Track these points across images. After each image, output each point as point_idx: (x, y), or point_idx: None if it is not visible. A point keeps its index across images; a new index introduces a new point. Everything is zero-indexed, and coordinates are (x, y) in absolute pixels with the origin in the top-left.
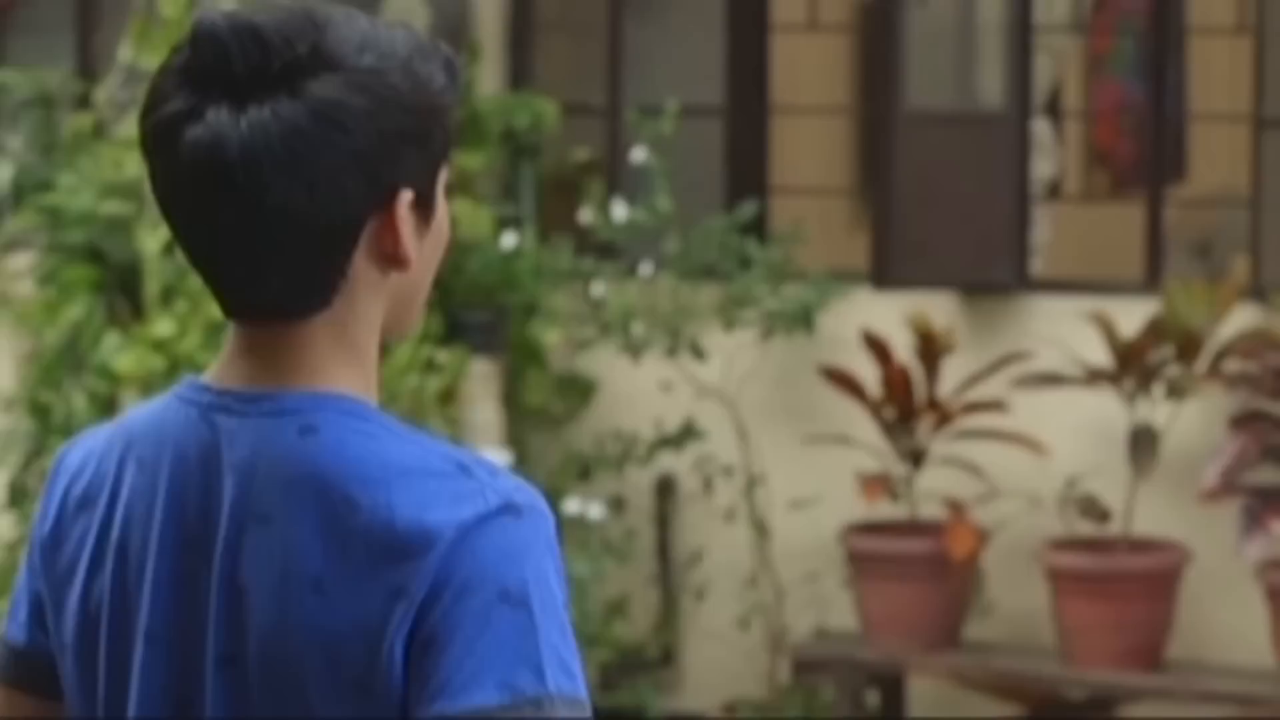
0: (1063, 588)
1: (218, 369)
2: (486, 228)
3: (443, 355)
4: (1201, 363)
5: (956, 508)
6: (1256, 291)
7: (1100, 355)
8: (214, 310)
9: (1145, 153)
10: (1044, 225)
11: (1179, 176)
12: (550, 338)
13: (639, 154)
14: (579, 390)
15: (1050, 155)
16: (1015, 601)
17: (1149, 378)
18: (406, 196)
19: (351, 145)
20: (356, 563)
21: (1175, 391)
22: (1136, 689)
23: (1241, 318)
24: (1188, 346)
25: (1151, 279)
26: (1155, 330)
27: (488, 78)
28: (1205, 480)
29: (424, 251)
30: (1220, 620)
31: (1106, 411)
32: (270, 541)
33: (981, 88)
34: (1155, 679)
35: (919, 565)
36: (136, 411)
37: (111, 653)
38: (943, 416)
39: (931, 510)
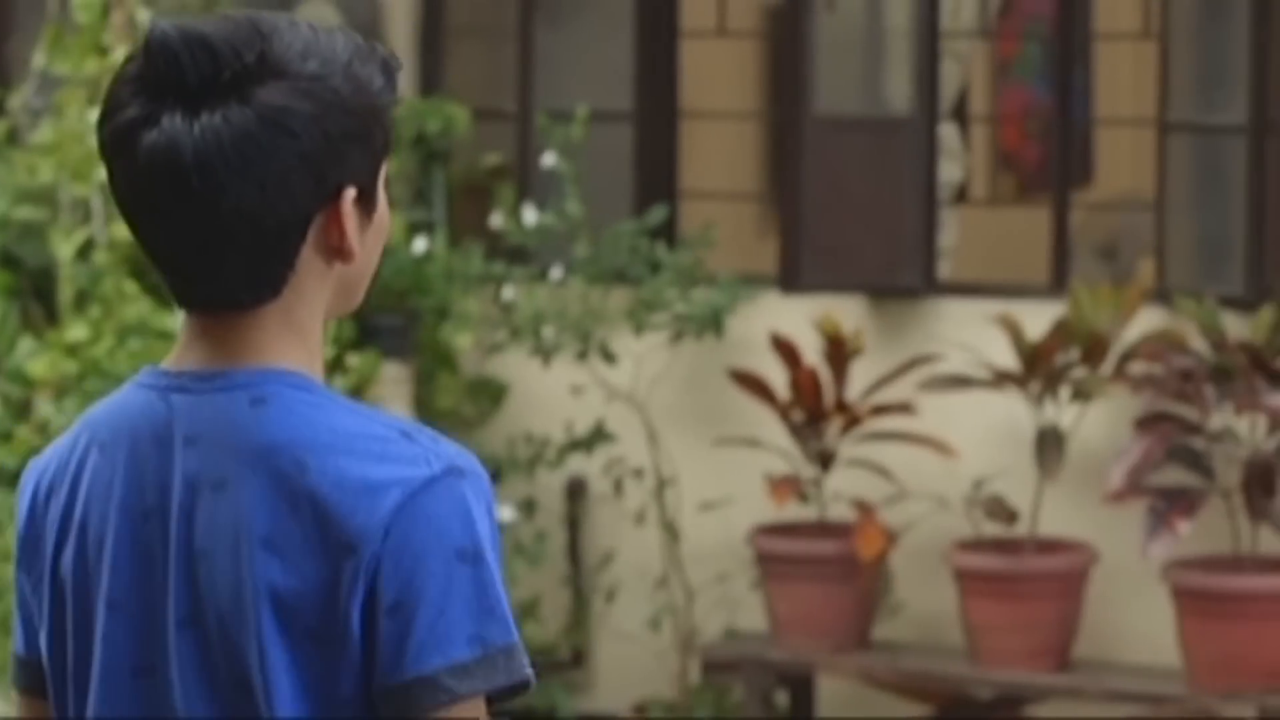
0: (970, 588)
1: (174, 356)
2: (398, 232)
3: (354, 359)
4: (1107, 365)
5: (865, 509)
6: (1162, 294)
7: (1007, 358)
8: (128, 314)
9: (1051, 157)
10: (951, 229)
11: (1085, 180)
12: (461, 341)
13: (549, 159)
14: (490, 394)
15: (957, 159)
16: (923, 602)
17: (1055, 380)
18: (350, 193)
19: (299, 148)
20: (305, 521)
21: (1081, 393)
22: (1044, 688)
23: (1147, 320)
24: (1094, 349)
25: (1058, 282)
26: (1061, 333)
27: (399, 83)
28: (1111, 481)
29: (366, 243)
30: (1126, 620)
31: (1013, 413)
32: (224, 506)
33: (889, 93)
34: (1062, 678)
35: (828, 566)
36: (99, 405)
37: (77, 624)
38: (851, 419)
39: (840, 512)
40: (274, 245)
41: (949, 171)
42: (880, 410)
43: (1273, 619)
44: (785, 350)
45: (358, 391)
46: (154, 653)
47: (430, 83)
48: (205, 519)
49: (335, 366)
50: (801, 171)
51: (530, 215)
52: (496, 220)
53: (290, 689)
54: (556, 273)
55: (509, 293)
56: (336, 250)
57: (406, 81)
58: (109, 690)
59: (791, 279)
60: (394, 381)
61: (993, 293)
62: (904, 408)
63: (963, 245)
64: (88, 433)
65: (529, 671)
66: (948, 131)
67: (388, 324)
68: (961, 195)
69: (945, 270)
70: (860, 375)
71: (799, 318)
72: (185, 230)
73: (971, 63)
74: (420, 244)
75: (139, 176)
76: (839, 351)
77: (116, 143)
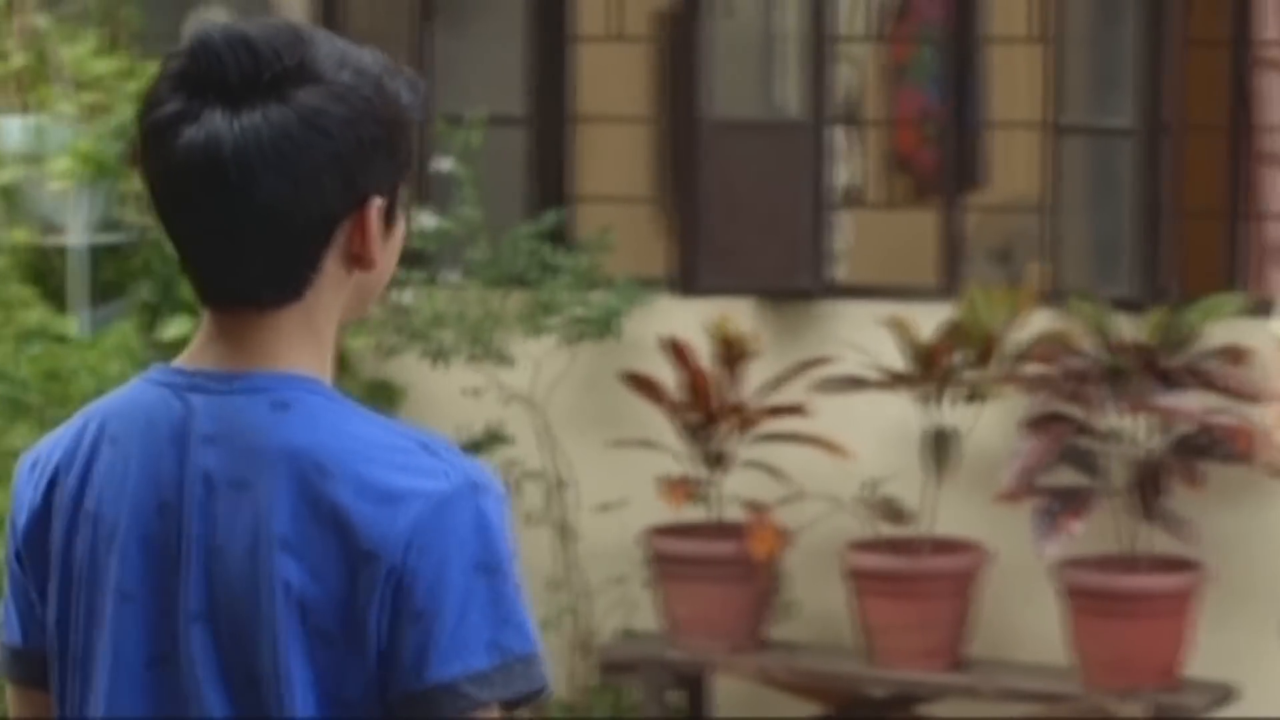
0: (864, 588)
1: (190, 354)
2: None
3: None
4: (999, 366)
5: (759, 510)
6: (1053, 296)
7: (900, 359)
8: (27, 319)
9: (945, 160)
10: (845, 232)
11: (978, 183)
12: (358, 344)
13: (446, 163)
14: (387, 396)
15: (851, 163)
16: (818, 602)
17: (948, 381)
18: (377, 202)
19: (332, 149)
20: (326, 526)
21: (974, 395)
22: (938, 687)
23: (1039, 322)
24: (986, 350)
25: (950, 284)
26: (953, 334)
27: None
28: (1003, 482)
29: (385, 255)
30: (1019, 619)
31: (906, 415)
32: (243, 505)
33: (782, 97)
34: (956, 677)
35: (723, 567)
36: (104, 399)
37: (86, 614)
38: (745, 421)
39: (735, 513)
40: (300, 245)
41: (842, 175)
42: (774, 412)
43: (1164, 618)
44: (679, 353)
45: None
46: (167, 643)
47: None
48: (223, 517)
49: None
50: (695, 175)
51: (427, 219)
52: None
53: (302, 686)
54: (453, 276)
55: (406, 296)
56: (358, 258)
57: None
58: (119, 680)
59: (686, 282)
60: None
61: (886, 295)
62: (798, 409)
63: (856, 248)
64: (95, 425)
65: (547, 679)
66: (841, 135)
67: None
68: (855, 198)
69: (839, 273)
70: (754, 377)
71: (694, 320)
72: (217, 224)
73: (865, 67)
74: None
75: (176, 169)
76: (733, 354)
77: (155, 136)
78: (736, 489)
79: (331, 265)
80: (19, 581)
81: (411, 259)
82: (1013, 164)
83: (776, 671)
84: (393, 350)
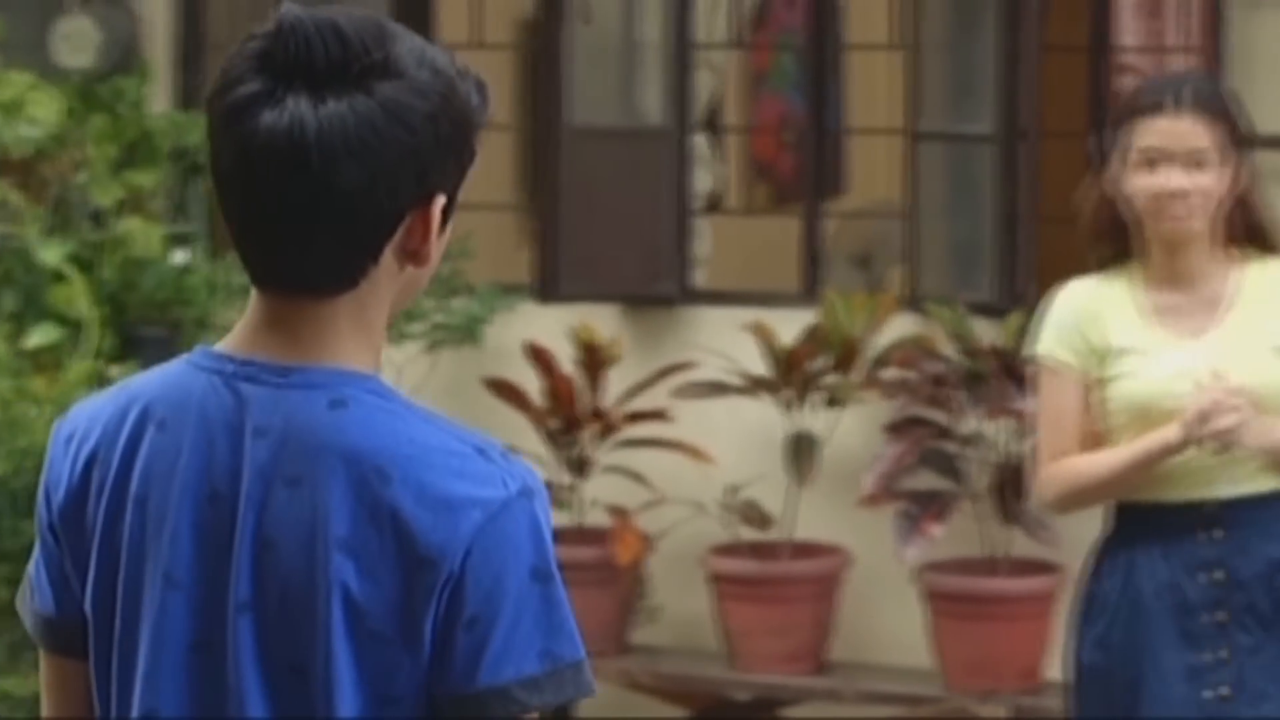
0: (726, 592)
1: (237, 339)
2: (159, 245)
3: (117, 370)
4: (860, 371)
5: (622, 515)
6: (913, 301)
7: (761, 365)
8: None
9: (805, 166)
10: (706, 238)
11: (839, 189)
12: None
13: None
14: None
15: (712, 170)
16: (681, 606)
17: (808, 386)
18: (441, 200)
19: (412, 144)
20: (384, 530)
21: (834, 399)
22: (801, 690)
23: (899, 327)
24: (846, 355)
25: (811, 290)
26: (814, 339)
27: (158, 97)
28: (864, 486)
29: (436, 253)
30: (882, 622)
31: (767, 419)
32: (299, 502)
33: (643, 104)
34: (819, 680)
35: (586, 572)
36: (144, 378)
37: (128, 596)
38: (607, 426)
39: (598, 518)
40: (366, 236)
41: (704, 181)
42: (636, 417)
43: (1024, 620)
44: (541, 358)
45: None
46: (212, 631)
47: (189, 97)
48: (276, 511)
49: (99, 379)
50: (557, 182)
51: None
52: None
53: (350, 684)
54: None
55: None
56: (414, 253)
57: (165, 95)
58: (161, 663)
59: (548, 289)
60: None
61: (747, 301)
62: (660, 415)
63: (717, 254)
64: (139, 407)
65: (593, 685)
66: (702, 142)
67: (150, 335)
68: (716, 205)
69: (700, 279)
70: (617, 383)
71: (556, 326)
72: (290, 208)
73: (726, 74)
74: (181, 256)
75: (254, 150)
76: (595, 360)
77: (232, 116)
78: (599, 494)
79: (389, 258)
80: (53, 553)
81: None
82: (872, 170)
83: (640, 675)
84: None
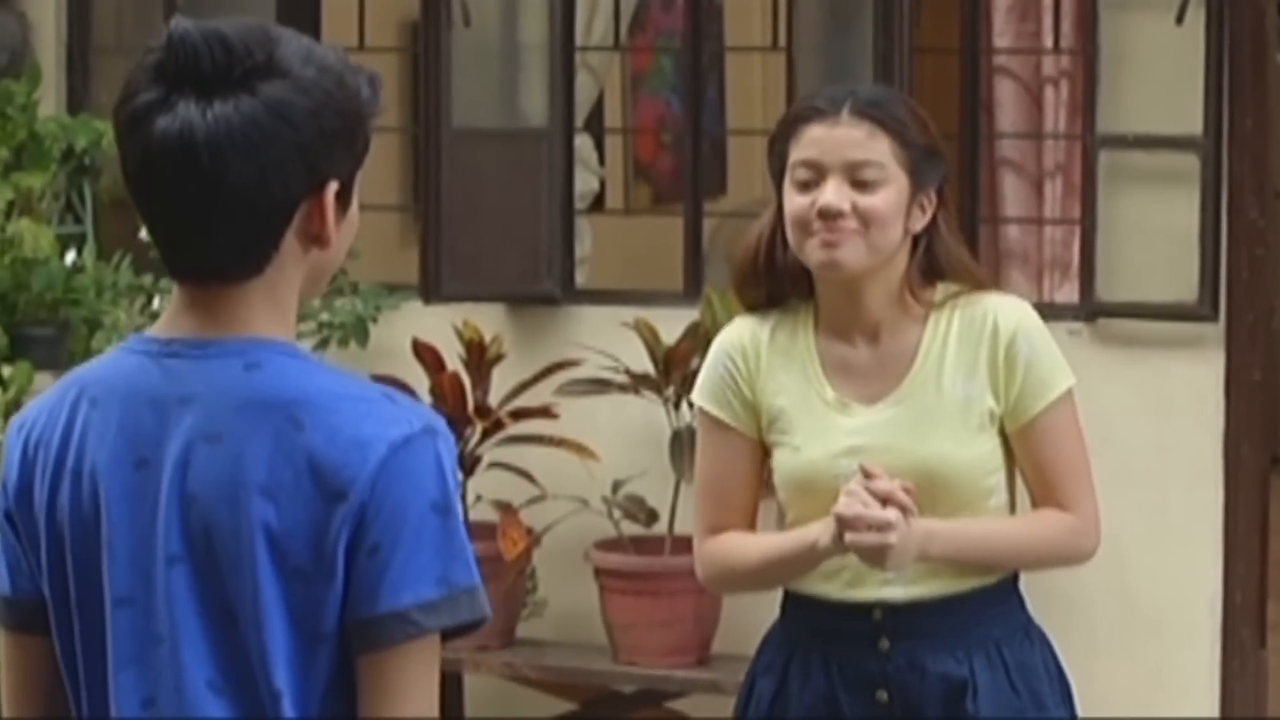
0: (610, 586)
1: (163, 324)
2: (48, 246)
3: (8, 370)
4: None
5: (508, 510)
6: None
7: (643, 362)
8: None
9: (685, 167)
10: (587, 238)
11: (718, 190)
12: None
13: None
14: None
15: (593, 170)
16: (566, 600)
17: (690, 383)
18: (333, 186)
19: (296, 138)
20: (300, 471)
21: None
22: (684, 683)
23: None
24: None
25: (692, 289)
26: (695, 337)
27: (47, 100)
28: None
29: (340, 235)
30: (762, 616)
31: (650, 416)
32: (220, 456)
33: (526, 106)
34: (702, 673)
35: None
36: (86, 366)
37: (78, 563)
38: (493, 423)
39: (484, 513)
40: (263, 224)
41: (585, 182)
42: (521, 414)
43: None
44: (428, 355)
45: (16, 403)
46: (146, 587)
47: (78, 100)
48: (198, 467)
49: None
50: (440, 183)
51: None
52: (145, 233)
53: (281, 623)
54: None
55: (158, 304)
56: (315, 237)
57: (54, 98)
58: (103, 621)
59: (432, 288)
60: None
61: (629, 300)
62: (544, 412)
63: (599, 254)
64: (76, 389)
65: (487, 609)
66: (583, 143)
67: (40, 335)
68: (598, 205)
69: (582, 278)
70: (501, 381)
71: (441, 325)
72: (188, 204)
73: (606, 76)
74: (70, 256)
75: (152, 153)
76: (480, 357)
77: (132, 123)
78: (485, 490)
79: (291, 244)
80: (8, 537)
81: (162, 268)
82: (751, 170)
83: (525, 669)
84: None
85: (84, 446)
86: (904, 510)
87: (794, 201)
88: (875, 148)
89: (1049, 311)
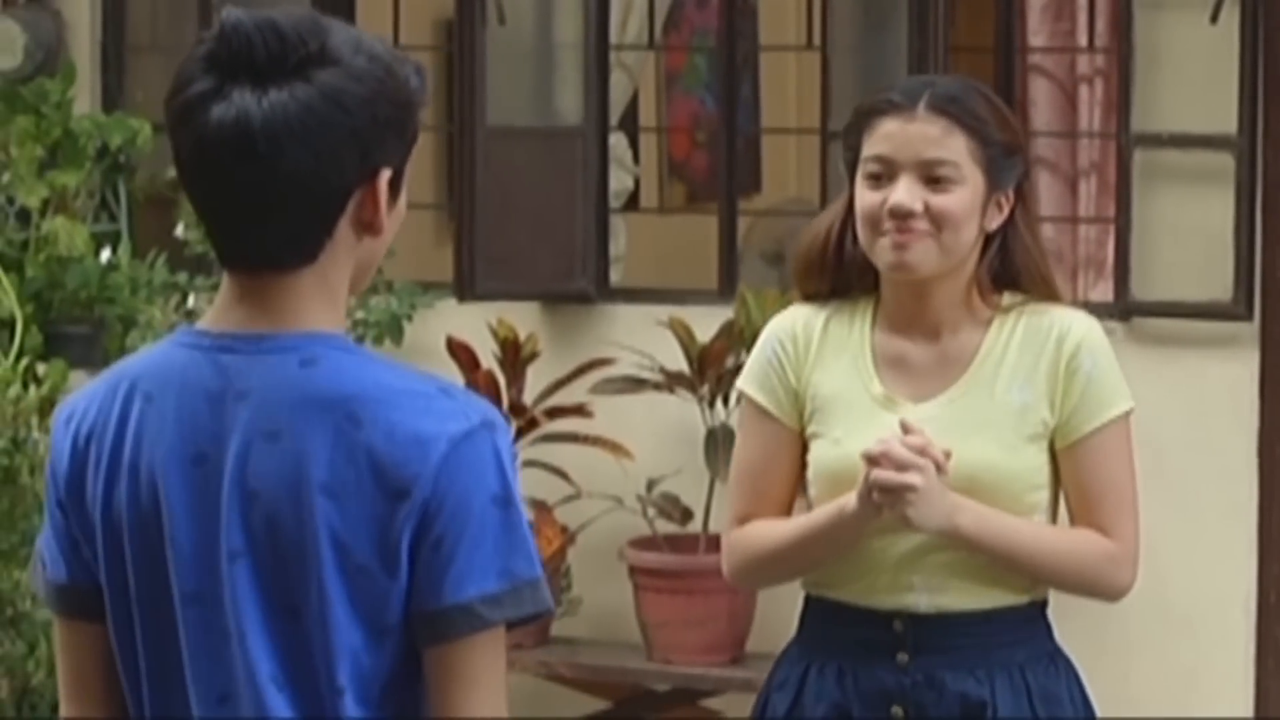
0: (644, 584)
1: (213, 316)
2: (83, 244)
3: (43, 367)
4: None
5: (542, 509)
6: None
7: (678, 361)
8: None
9: (719, 166)
10: (622, 236)
11: (753, 188)
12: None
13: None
14: None
15: (628, 169)
16: (600, 599)
17: (724, 381)
18: (386, 174)
19: (351, 125)
20: (360, 469)
21: None
22: (719, 681)
23: None
24: None
25: (727, 287)
26: (729, 335)
27: (82, 98)
28: None
29: (390, 223)
30: (795, 615)
31: (685, 414)
32: (279, 453)
33: (560, 104)
34: (736, 671)
35: None
36: (133, 359)
37: (137, 557)
38: (528, 422)
39: None
40: (318, 212)
41: (620, 180)
42: (556, 413)
43: None
44: (463, 354)
45: (50, 401)
46: (209, 581)
47: (113, 98)
48: (258, 464)
49: (26, 376)
50: (476, 182)
51: None
52: (180, 231)
53: (347, 618)
54: None
55: (193, 301)
56: (368, 225)
57: (89, 97)
58: (168, 616)
59: (467, 287)
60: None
61: (664, 298)
62: (579, 410)
63: (633, 252)
64: (127, 383)
65: (550, 602)
66: (618, 141)
67: (75, 333)
68: (632, 203)
69: (616, 276)
70: (535, 380)
71: (476, 324)
72: (244, 192)
73: (640, 74)
74: (105, 254)
75: (207, 142)
76: (514, 355)
77: (186, 112)
78: (521, 488)
79: (344, 231)
80: (61, 526)
81: (196, 264)
82: (785, 169)
83: (559, 667)
84: None
85: (140, 442)
86: (937, 466)
87: (865, 197)
88: (951, 145)
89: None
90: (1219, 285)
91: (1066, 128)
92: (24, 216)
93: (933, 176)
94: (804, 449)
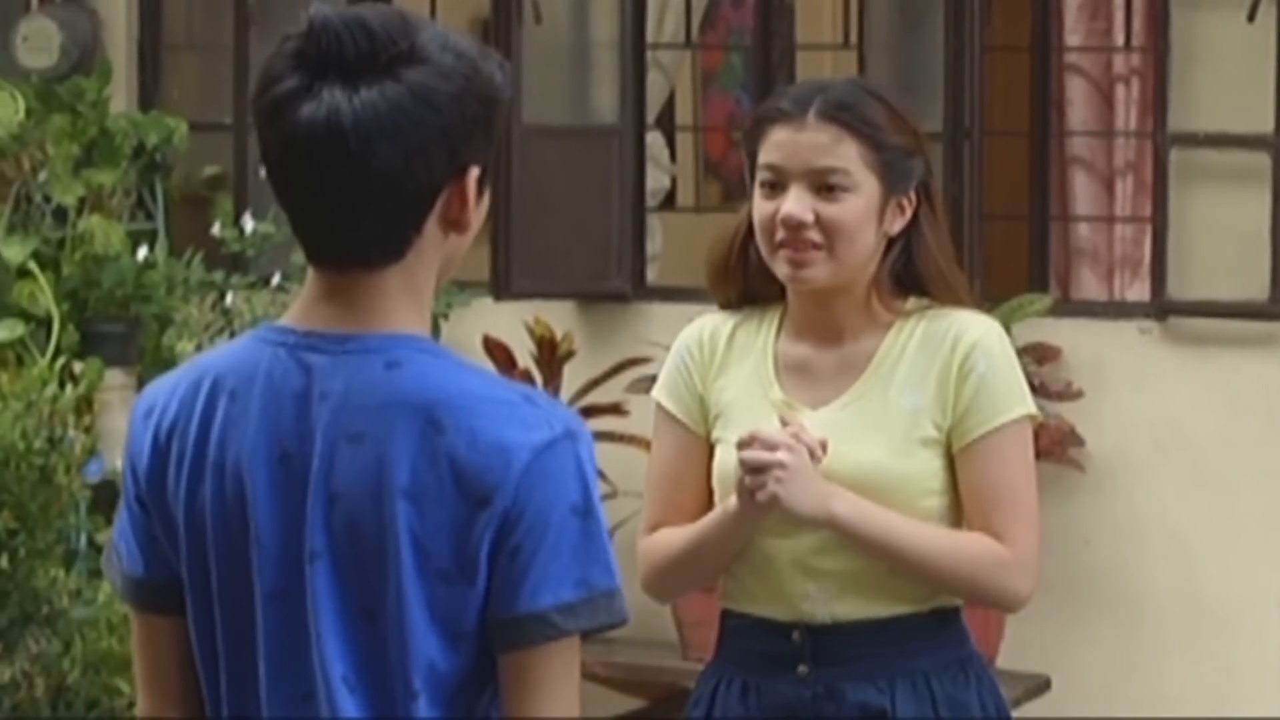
0: None
1: (298, 313)
2: (119, 242)
3: (79, 366)
4: None
5: None
6: None
7: None
8: None
9: None
10: (659, 235)
11: None
12: (183, 348)
13: (265, 170)
14: None
15: (664, 168)
16: (636, 597)
17: None
18: (475, 171)
19: (441, 123)
20: (443, 475)
21: None
22: None
23: None
24: None
25: None
26: None
27: (118, 97)
28: None
29: (475, 220)
30: None
31: None
32: (362, 456)
33: (597, 103)
34: None
35: None
36: (214, 354)
37: (221, 554)
38: None
39: None
40: (407, 209)
41: (656, 179)
42: (591, 411)
43: (974, 610)
44: (499, 353)
45: (86, 399)
46: (290, 581)
47: (149, 97)
48: (341, 466)
49: (64, 376)
50: (511, 181)
51: (249, 224)
52: (216, 229)
53: (424, 623)
54: (276, 280)
55: (229, 299)
56: (455, 222)
57: (125, 95)
58: (248, 613)
59: (503, 286)
60: (118, 388)
61: (699, 297)
62: (615, 409)
63: (669, 251)
64: (210, 379)
65: (627, 612)
66: (654, 140)
67: (111, 331)
68: (668, 202)
69: (652, 275)
70: (572, 378)
71: (513, 322)
72: (334, 190)
73: (677, 73)
74: (142, 253)
75: (297, 140)
76: (551, 354)
77: (274, 110)
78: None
79: (432, 228)
80: (139, 520)
81: (233, 263)
82: None
83: (595, 666)
84: None
85: (225, 440)
86: (810, 453)
87: (759, 207)
88: (841, 153)
89: (1119, 310)
90: (1255, 284)
91: (1103, 127)
92: (60, 215)
93: (823, 185)
94: (713, 456)
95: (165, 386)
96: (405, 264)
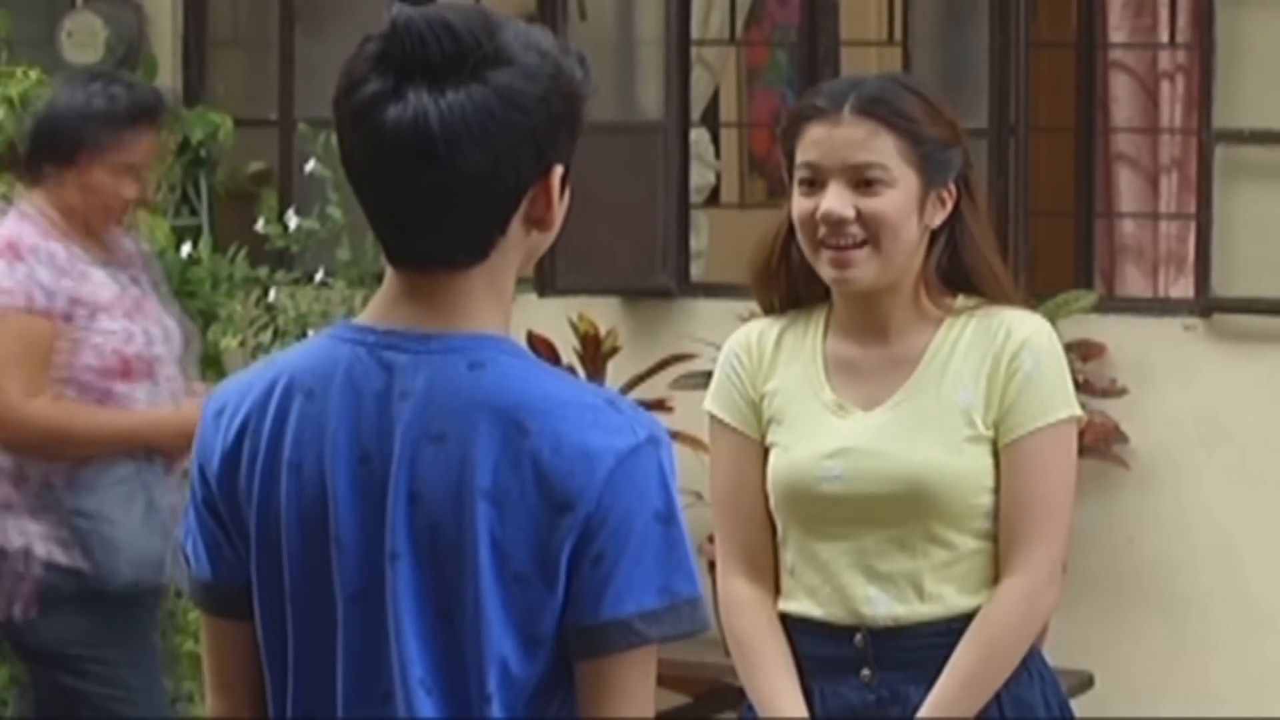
0: None
1: (376, 312)
2: (164, 238)
3: None
4: None
5: None
6: None
7: None
8: None
9: None
10: (704, 231)
11: None
12: (228, 343)
13: (311, 166)
14: None
15: (709, 164)
16: None
17: None
18: (559, 170)
19: (528, 124)
20: (525, 478)
21: None
22: None
23: None
24: None
25: None
26: None
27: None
28: None
29: (558, 218)
30: None
31: None
32: (444, 457)
33: (642, 99)
34: None
35: None
36: (288, 353)
37: (293, 555)
38: None
39: None
40: (494, 211)
41: (701, 175)
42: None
43: None
44: (544, 348)
45: None
46: (369, 581)
47: (194, 92)
48: (423, 466)
49: None
50: None
51: (293, 220)
52: (261, 225)
53: (501, 625)
54: (319, 276)
55: (274, 296)
56: (539, 220)
57: (171, 91)
58: (327, 614)
59: (547, 281)
60: None
61: (744, 293)
62: (660, 405)
63: (714, 247)
64: (286, 379)
65: (709, 620)
66: (699, 137)
67: None
68: (713, 198)
69: (697, 271)
70: (616, 374)
71: (557, 318)
72: (422, 193)
73: (721, 70)
74: (186, 249)
75: (384, 143)
76: (595, 350)
77: (360, 113)
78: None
79: (516, 228)
80: (208, 523)
81: (277, 259)
82: None
83: None
84: (260, 348)
85: (302, 439)
86: None
87: (799, 205)
88: (878, 148)
89: (1164, 307)
90: None
91: (1147, 124)
92: None
93: (862, 180)
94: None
95: (238, 386)
96: (489, 264)
